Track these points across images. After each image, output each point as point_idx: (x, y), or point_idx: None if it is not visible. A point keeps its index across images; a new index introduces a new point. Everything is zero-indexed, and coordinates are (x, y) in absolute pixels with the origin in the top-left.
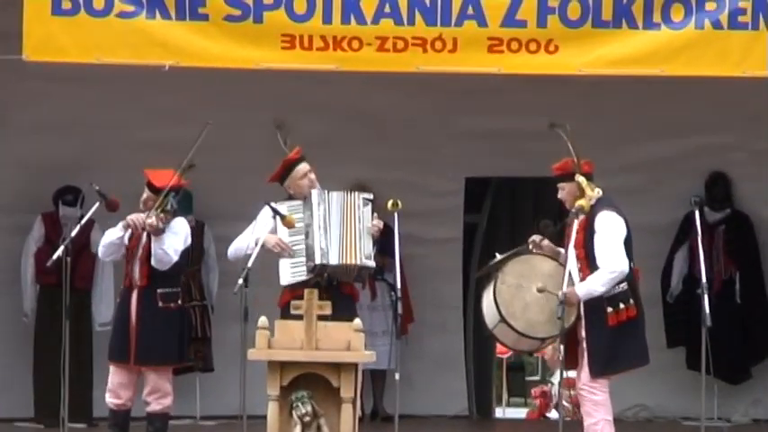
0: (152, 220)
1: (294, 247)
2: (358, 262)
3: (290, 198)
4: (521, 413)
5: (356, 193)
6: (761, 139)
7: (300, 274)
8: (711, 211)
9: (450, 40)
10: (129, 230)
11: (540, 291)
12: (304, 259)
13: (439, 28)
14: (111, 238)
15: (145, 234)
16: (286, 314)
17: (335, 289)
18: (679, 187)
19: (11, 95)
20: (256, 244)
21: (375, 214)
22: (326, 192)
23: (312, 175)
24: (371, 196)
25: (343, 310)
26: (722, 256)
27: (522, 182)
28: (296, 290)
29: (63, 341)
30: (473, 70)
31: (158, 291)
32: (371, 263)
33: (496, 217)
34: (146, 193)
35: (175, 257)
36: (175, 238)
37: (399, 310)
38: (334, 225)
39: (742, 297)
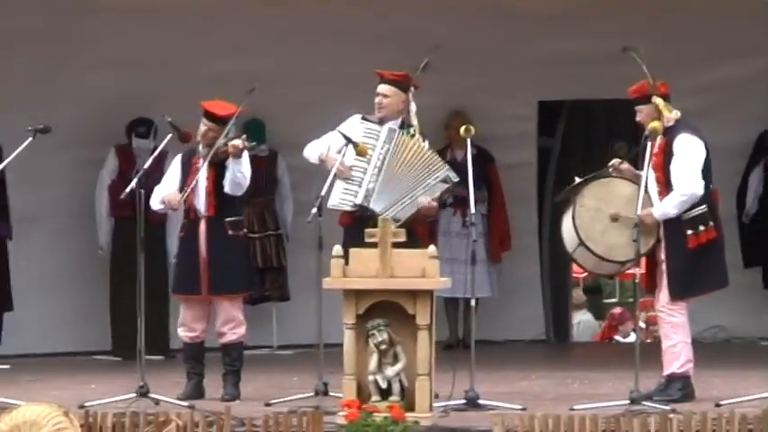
0: (237, 141)
1: (354, 173)
2: (389, 215)
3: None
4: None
5: (446, 165)
6: None
7: (345, 204)
8: None
9: None
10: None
11: (613, 219)
12: (356, 188)
13: None
14: (155, 208)
15: (205, 165)
16: (347, 236)
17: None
18: (753, 107)
19: (82, 30)
20: (325, 163)
21: (441, 195)
22: (401, 133)
23: (380, 99)
24: (455, 179)
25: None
26: None
27: (595, 105)
28: (346, 213)
29: (138, 274)
30: None
31: (226, 220)
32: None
33: (570, 141)
34: (204, 125)
35: (248, 180)
36: (247, 161)
37: (474, 237)
38: (396, 173)
39: None
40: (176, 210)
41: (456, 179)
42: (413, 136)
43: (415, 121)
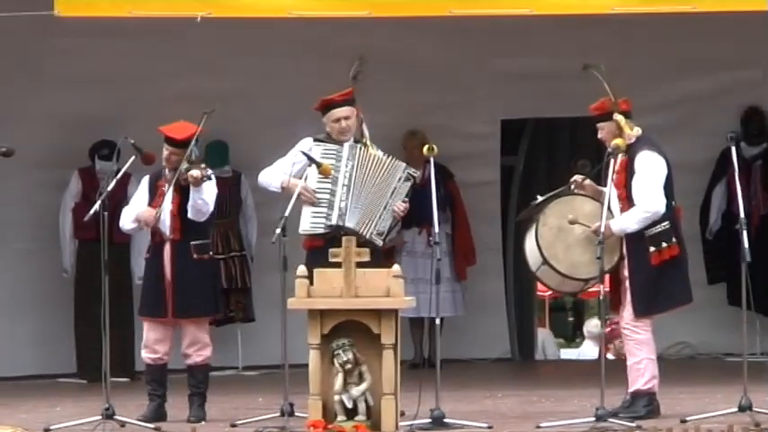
0: (196, 172)
1: (319, 195)
2: (367, 235)
3: (329, 137)
4: (563, 354)
5: (403, 164)
6: None
7: (318, 227)
8: (748, 147)
9: None
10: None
11: (571, 223)
12: (326, 210)
13: None
14: (127, 228)
15: (170, 188)
16: (311, 258)
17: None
18: (715, 123)
19: (44, 51)
20: (288, 190)
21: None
22: (361, 148)
23: (346, 123)
24: (416, 174)
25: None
26: (760, 190)
27: (558, 122)
28: (316, 237)
29: (103, 296)
30: (505, 12)
31: (192, 243)
32: (380, 242)
33: (533, 159)
34: (166, 150)
35: (212, 207)
36: (212, 187)
37: (438, 256)
38: (363, 187)
39: None
40: (150, 227)
41: (416, 173)
42: (366, 146)
43: (366, 131)
